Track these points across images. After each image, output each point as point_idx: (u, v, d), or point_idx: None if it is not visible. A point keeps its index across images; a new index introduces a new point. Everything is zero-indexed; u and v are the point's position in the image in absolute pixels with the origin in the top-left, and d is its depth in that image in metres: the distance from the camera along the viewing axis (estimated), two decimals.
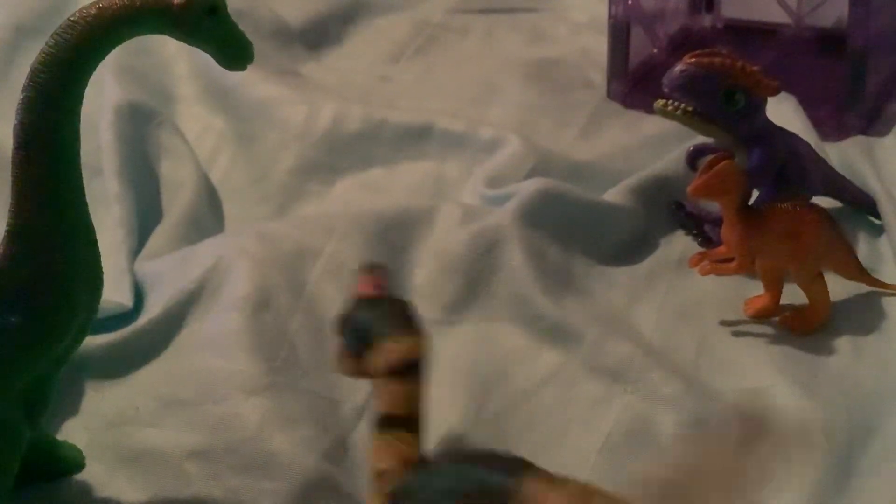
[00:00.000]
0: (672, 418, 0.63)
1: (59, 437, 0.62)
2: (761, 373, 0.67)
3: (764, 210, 0.71)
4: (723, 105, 0.73)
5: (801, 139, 0.80)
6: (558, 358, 0.69)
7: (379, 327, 0.46)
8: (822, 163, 0.81)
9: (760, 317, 0.72)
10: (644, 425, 0.63)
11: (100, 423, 0.63)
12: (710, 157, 0.71)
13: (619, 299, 0.75)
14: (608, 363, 0.68)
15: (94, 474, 0.59)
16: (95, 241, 0.54)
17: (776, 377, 0.67)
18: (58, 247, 0.52)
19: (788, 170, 0.76)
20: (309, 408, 0.62)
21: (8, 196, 0.52)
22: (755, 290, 0.74)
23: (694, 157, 0.79)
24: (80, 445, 0.61)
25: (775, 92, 0.74)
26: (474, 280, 0.73)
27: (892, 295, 0.74)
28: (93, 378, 0.66)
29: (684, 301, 0.75)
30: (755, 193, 0.75)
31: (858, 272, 0.73)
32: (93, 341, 0.67)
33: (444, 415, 0.63)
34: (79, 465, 0.60)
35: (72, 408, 0.64)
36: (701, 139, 0.79)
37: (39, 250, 0.52)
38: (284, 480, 0.57)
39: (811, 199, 0.76)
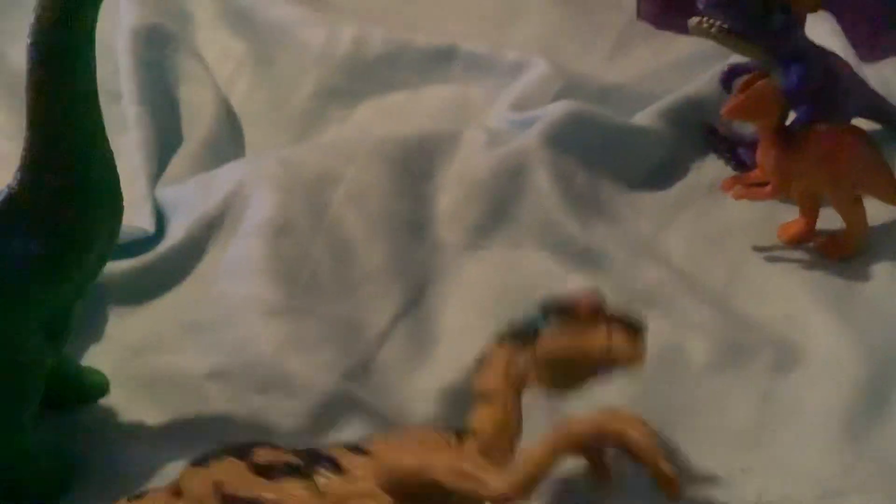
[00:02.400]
0: (703, 346, 0.62)
1: (83, 363, 0.61)
2: (795, 300, 0.66)
3: (801, 132, 0.68)
4: (760, 22, 0.70)
5: (840, 58, 0.77)
6: (586, 284, 0.67)
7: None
8: (862, 83, 0.78)
9: (795, 242, 0.70)
10: (674, 352, 0.62)
11: (123, 350, 0.62)
12: (745, 77, 0.68)
13: (649, 225, 0.73)
14: (637, 289, 0.66)
15: (118, 399, 0.59)
16: (114, 165, 0.53)
17: (811, 304, 0.65)
18: (76, 171, 0.51)
19: (826, 90, 0.73)
20: (330, 332, 0.61)
21: (23, 121, 0.50)
22: (789, 215, 0.72)
23: (728, 77, 0.76)
24: (104, 371, 0.61)
25: (815, 7, 0.70)
26: (500, 205, 0.72)
27: None
28: (116, 304, 0.65)
29: (715, 227, 0.73)
30: (791, 115, 0.73)
31: None
32: (115, 267, 0.66)
33: (471, 343, 0.62)
34: (103, 390, 0.60)
35: (95, 334, 0.64)
36: (736, 59, 0.76)
37: (57, 175, 0.50)
38: (304, 399, 0.56)
39: (850, 120, 0.73)
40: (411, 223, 0.70)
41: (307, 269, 0.65)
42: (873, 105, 0.78)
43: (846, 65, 0.77)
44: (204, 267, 0.67)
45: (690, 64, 0.84)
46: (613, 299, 0.65)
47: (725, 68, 0.77)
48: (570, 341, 0.47)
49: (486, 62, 0.86)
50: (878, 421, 0.57)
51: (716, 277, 0.68)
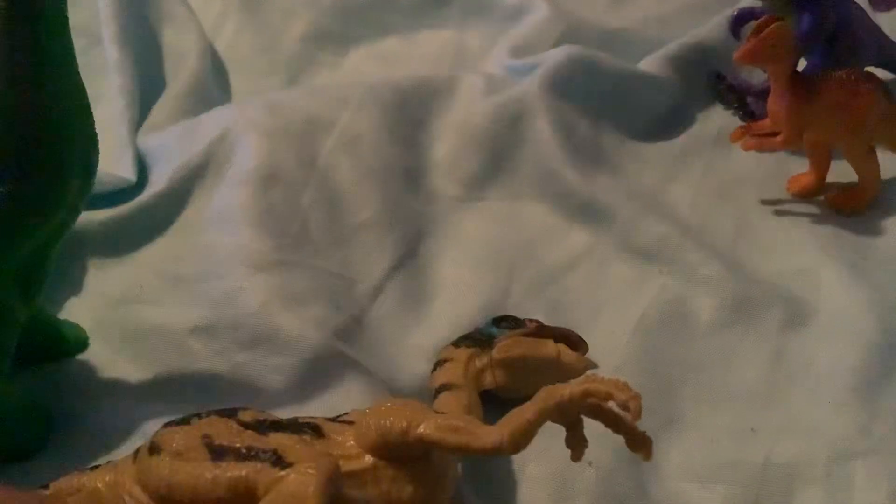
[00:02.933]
0: (710, 301, 0.60)
1: (62, 316, 0.59)
2: (805, 254, 0.63)
3: (814, 79, 0.65)
4: None
5: (855, 3, 0.74)
6: (588, 238, 0.65)
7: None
8: (876, 30, 0.75)
9: (805, 195, 0.68)
10: (680, 308, 0.59)
11: (103, 302, 0.60)
12: (756, 22, 0.65)
13: (654, 176, 0.70)
14: (642, 243, 0.64)
15: (98, 353, 0.56)
16: (88, 105, 0.50)
17: (822, 259, 0.63)
18: (47, 112, 0.48)
19: (840, 36, 0.71)
20: (321, 285, 0.58)
21: None
22: (799, 167, 0.70)
23: (738, 22, 0.73)
24: (83, 324, 0.58)
25: None
26: (499, 155, 0.69)
27: None
28: (95, 255, 0.62)
29: (723, 179, 0.70)
30: (803, 62, 0.70)
31: None
32: (95, 217, 0.63)
33: (467, 298, 0.60)
34: (82, 344, 0.57)
35: (74, 286, 0.61)
36: (746, 3, 0.73)
37: (28, 116, 0.47)
38: (293, 356, 0.54)
39: (864, 68, 0.71)
40: (406, 173, 0.67)
41: (296, 219, 0.63)
42: (888, 53, 0.75)
43: (861, 10, 0.74)
44: (187, 217, 0.64)
45: (698, 8, 0.82)
46: (617, 253, 0.64)
47: (734, 13, 0.75)
48: (524, 348, 0.53)
49: (484, 5, 0.83)
50: (892, 379, 0.55)
51: (723, 231, 0.66)
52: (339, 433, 0.43)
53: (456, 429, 0.41)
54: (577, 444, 0.43)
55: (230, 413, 0.44)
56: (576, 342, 0.54)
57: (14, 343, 0.51)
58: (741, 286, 0.60)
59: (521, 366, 0.52)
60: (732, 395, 0.55)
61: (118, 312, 0.59)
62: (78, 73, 0.49)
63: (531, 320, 0.55)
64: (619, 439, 0.42)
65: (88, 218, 0.63)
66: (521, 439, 0.40)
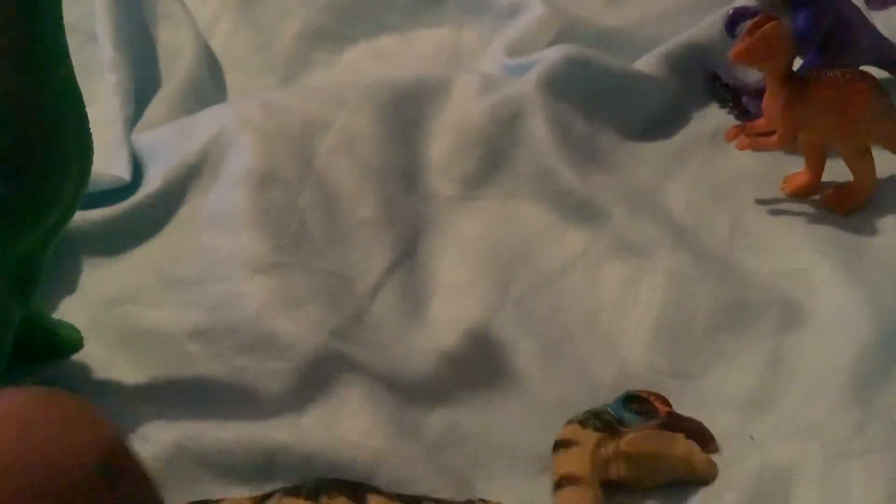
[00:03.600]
0: (706, 303, 0.60)
1: (57, 316, 0.59)
2: (801, 254, 0.63)
3: (810, 78, 0.65)
4: None
5: (850, 2, 0.74)
6: (585, 237, 0.65)
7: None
8: (872, 29, 0.75)
9: (800, 195, 0.68)
10: (676, 308, 0.59)
11: (99, 302, 0.59)
12: (752, 21, 0.65)
13: (649, 175, 0.70)
14: (637, 242, 0.64)
15: (93, 354, 0.56)
16: (83, 105, 0.50)
17: (817, 258, 0.63)
18: (42, 111, 0.47)
19: (836, 35, 0.71)
20: (319, 286, 0.58)
21: None
22: (794, 166, 0.70)
23: (733, 21, 0.73)
24: (78, 325, 0.58)
25: None
26: (495, 154, 0.69)
27: None
28: (91, 255, 0.62)
29: (718, 178, 0.70)
30: (798, 62, 0.70)
31: None
32: (90, 216, 0.63)
33: (465, 299, 0.60)
34: (77, 345, 0.57)
35: (69, 286, 0.61)
36: (742, 2, 0.73)
37: (22, 115, 0.47)
38: (292, 359, 0.54)
39: (860, 67, 0.71)
40: (403, 172, 0.67)
41: (294, 220, 0.62)
42: (883, 52, 0.75)
43: (856, 10, 0.74)
44: (183, 217, 0.64)
45: (693, 7, 0.81)
46: (614, 252, 0.64)
47: (730, 12, 0.74)
48: (655, 443, 0.50)
49: (480, 4, 0.82)
50: (888, 378, 0.55)
51: (719, 231, 0.66)
52: None
53: None
54: None
55: (358, 494, 0.43)
56: (707, 440, 0.52)
57: (9, 343, 0.51)
58: (737, 287, 0.61)
59: (649, 461, 0.50)
60: (730, 400, 0.55)
61: (114, 313, 0.58)
62: (73, 72, 0.49)
63: (658, 398, 0.52)
64: None
65: (83, 217, 0.63)
66: None
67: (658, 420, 0.51)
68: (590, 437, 0.49)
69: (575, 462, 0.48)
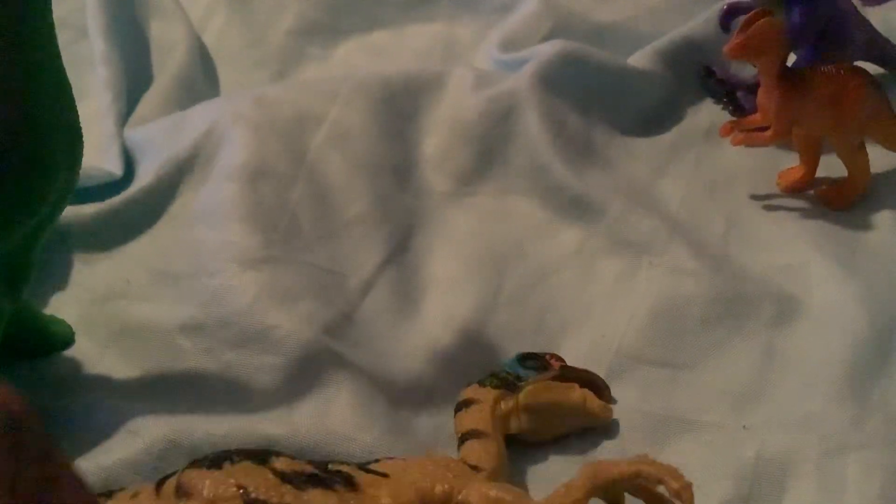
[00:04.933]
0: (701, 297, 0.60)
1: (47, 311, 0.58)
2: (795, 249, 0.63)
3: (804, 73, 0.65)
4: None
5: None
6: (579, 232, 0.65)
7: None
8: (866, 24, 0.75)
9: (795, 190, 0.68)
10: (671, 303, 0.59)
11: (89, 297, 0.59)
12: (747, 15, 0.65)
13: (644, 171, 0.70)
14: (632, 238, 0.64)
15: (84, 350, 0.56)
16: (72, 98, 0.49)
17: (811, 253, 0.63)
18: (30, 103, 0.47)
19: (830, 30, 0.70)
20: (310, 281, 0.58)
21: None
22: (789, 161, 0.70)
23: (728, 16, 0.73)
24: (69, 320, 0.57)
25: None
26: (489, 149, 0.69)
27: None
28: (81, 250, 0.62)
29: (713, 173, 0.70)
30: (793, 57, 0.70)
31: None
32: (81, 211, 0.63)
33: (458, 296, 0.60)
34: (68, 340, 0.56)
35: (60, 281, 0.60)
36: None
37: (9, 108, 0.46)
38: (283, 354, 0.53)
39: (854, 62, 0.71)
40: (396, 167, 0.67)
41: (286, 215, 0.62)
42: (878, 47, 0.75)
43: (850, 5, 0.74)
44: (175, 212, 0.63)
45: (688, 3, 0.81)
46: (608, 248, 0.64)
47: (724, 7, 0.74)
48: (551, 393, 0.52)
49: None
50: (884, 373, 0.55)
51: (713, 226, 0.66)
52: (374, 486, 0.42)
53: (503, 503, 0.41)
54: None
55: (262, 458, 0.42)
56: (600, 387, 0.54)
57: (0, 338, 0.50)
58: (732, 281, 0.60)
59: (547, 411, 0.52)
60: (724, 392, 0.55)
61: (105, 308, 0.58)
62: (62, 67, 0.48)
63: (553, 356, 0.54)
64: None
65: (74, 212, 0.62)
66: None
67: (552, 373, 0.53)
68: (489, 393, 0.51)
69: (475, 418, 0.49)
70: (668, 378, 0.55)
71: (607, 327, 0.58)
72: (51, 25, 0.47)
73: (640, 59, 0.75)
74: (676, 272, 0.61)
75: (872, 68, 0.73)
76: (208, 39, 0.82)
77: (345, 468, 0.43)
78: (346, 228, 0.63)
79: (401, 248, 0.63)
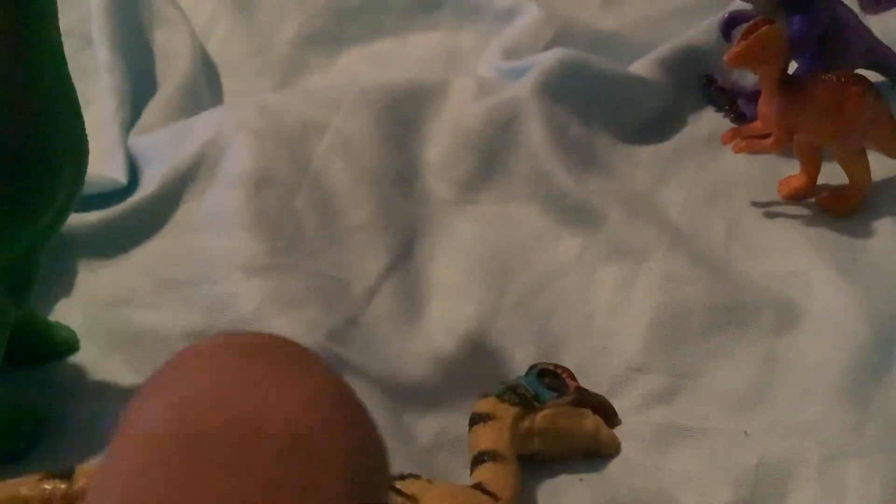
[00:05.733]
0: (701, 303, 0.60)
1: (52, 318, 0.59)
2: (796, 256, 0.64)
3: (805, 81, 0.66)
4: None
5: (845, 5, 0.74)
6: (580, 240, 0.65)
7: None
8: (867, 32, 0.75)
9: (795, 197, 0.68)
10: (672, 310, 0.60)
11: (95, 305, 0.59)
12: (748, 24, 0.65)
13: (645, 178, 0.71)
14: (633, 245, 0.64)
15: (88, 356, 0.56)
16: (78, 106, 0.50)
17: (812, 260, 0.63)
18: (35, 112, 0.47)
19: (831, 38, 0.71)
20: (314, 288, 0.58)
21: None
22: (790, 169, 0.70)
23: (729, 25, 0.74)
24: (73, 327, 0.58)
25: None
26: (491, 157, 0.69)
27: None
28: (86, 257, 0.62)
29: (714, 181, 0.70)
30: (794, 65, 0.70)
31: None
32: (86, 219, 0.63)
33: (461, 303, 0.60)
34: (73, 346, 0.57)
35: (65, 288, 0.61)
36: (737, 6, 0.73)
37: (17, 118, 0.47)
38: None
39: (855, 70, 0.71)
40: (399, 175, 0.67)
41: (290, 222, 0.62)
42: (878, 55, 0.75)
43: (851, 13, 0.74)
44: (179, 219, 0.64)
45: (689, 11, 0.81)
46: (609, 255, 0.64)
47: (725, 15, 0.75)
48: (567, 419, 0.52)
49: (476, 7, 0.82)
50: (884, 380, 0.55)
51: (714, 233, 0.66)
52: None
53: None
54: None
55: None
56: (610, 415, 0.54)
57: (4, 344, 0.50)
58: (732, 288, 0.61)
59: (561, 436, 0.52)
60: (725, 399, 0.55)
61: (109, 315, 0.58)
62: (68, 75, 0.49)
63: (567, 372, 0.54)
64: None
65: (79, 220, 0.63)
66: None
67: (570, 397, 0.53)
68: (508, 411, 0.51)
69: (494, 437, 0.49)
70: (670, 385, 0.55)
71: (609, 334, 0.58)
72: (57, 34, 0.48)
73: (641, 67, 0.76)
74: (677, 279, 0.61)
75: (872, 76, 0.74)
76: (212, 48, 0.82)
77: None
78: (349, 235, 0.63)
79: (404, 255, 0.63)
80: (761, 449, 0.52)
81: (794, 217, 0.67)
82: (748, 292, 0.60)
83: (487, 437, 0.49)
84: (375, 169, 0.66)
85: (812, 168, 0.68)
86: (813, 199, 0.68)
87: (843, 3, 0.74)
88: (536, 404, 0.52)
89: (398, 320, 0.59)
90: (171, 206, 0.65)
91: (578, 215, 0.66)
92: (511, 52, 0.77)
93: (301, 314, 0.56)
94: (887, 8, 0.82)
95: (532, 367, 0.55)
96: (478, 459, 0.49)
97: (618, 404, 0.55)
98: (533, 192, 0.67)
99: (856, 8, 0.78)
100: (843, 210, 0.67)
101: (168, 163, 0.66)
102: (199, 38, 0.81)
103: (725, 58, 0.64)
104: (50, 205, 0.49)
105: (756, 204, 0.68)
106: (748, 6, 0.72)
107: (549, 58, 0.73)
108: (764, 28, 0.63)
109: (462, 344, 0.57)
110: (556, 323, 0.59)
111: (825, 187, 0.68)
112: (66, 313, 0.59)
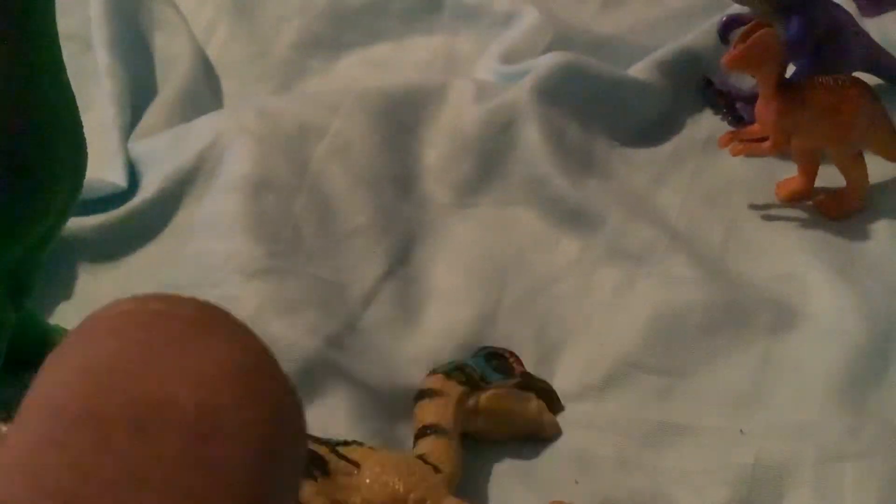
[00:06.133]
0: (700, 306, 0.60)
1: (53, 321, 0.59)
2: (794, 258, 0.64)
3: (802, 84, 0.66)
4: None
5: (842, 8, 0.74)
6: (578, 243, 0.65)
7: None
8: (864, 35, 0.75)
9: (793, 200, 0.68)
10: (669, 312, 0.60)
11: (95, 307, 0.59)
12: (745, 27, 0.65)
13: (643, 181, 0.71)
14: (631, 248, 0.64)
15: None
16: (77, 110, 0.50)
17: (810, 262, 0.63)
18: (34, 116, 0.47)
19: (828, 41, 0.71)
20: (313, 292, 0.58)
21: None
22: (787, 171, 0.70)
23: (727, 28, 0.74)
24: None
25: None
26: (489, 160, 0.69)
27: None
28: (86, 261, 0.63)
29: (712, 183, 0.70)
30: (791, 68, 0.70)
31: None
32: (86, 222, 0.63)
33: (459, 306, 0.60)
34: None
35: (65, 292, 0.61)
36: (735, 9, 0.73)
37: (14, 119, 0.47)
38: (285, 364, 0.53)
39: (852, 73, 0.71)
40: (397, 179, 0.68)
41: (288, 226, 0.63)
42: (875, 58, 0.75)
43: (849, 16, 0.74)
44: (179, 223, 0.64)
45: (686, 15, 0.81)
46: (607, 258, 0.64)
47: (723, 18, 0.75)
48: (511, 401, 0.53)
49: (475, 11, 0.83)
50: (881, 382, 0.55)
51: (712, 235, 0.66)
52: (346, 475, 0.42)
53: None
54: None
55: None
56: (553, 400, 0.55)
57: (3, 347, 0.51)
58: (730, 290, 0.61)
59: (504, 417, 0.53)
60: (722, 398, 0.55)
61: None
62: (67, 79, 0.49)
63: (514, 357, 0.56)
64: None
65: (79, 223, 0.63)
66: None
67: (515, 380, 0.54)
68: (454, 389, 0.52)
69: (439, 412, 0.50)
70: (667, 384, 0.55)
71: (607, 336, 0.58)
72: (55, 38, 0.48)
73: (639, 70, 0.76)
74: (675, 281, 0.61)
75: (870, 79, 0.74)
76: (212, 53, 0.82)
77: (320, 449, 0.43)
78: (348, 239, 0.63)
79: (402, 260, 0.63)
80: (758, 448, 0.52)
81: (791, 219, 0.68)
82: (746, 293, 0.61)
83: (432, 413, 0.50)
84: (373, 173, 0.67)
85: (810, 171, 0.68)
86: (810, 202, 0.68)
87: (840, 6, 0.74)
88: (483, 384, 0.53)
89: (396, 325, 0.59)
90: (171, 209, 0.65)
91: (577, 218, 0.66)
92: (509, 56, 0.77)
93: (299, 318, 0.56)
94: (885, 11, 0.83)
95: (481, 349, 0.55)
96: (422, 433, 0.50)
97: (615, 402, 0.55)
98: (531, 196, 0.68)
99: (853, 11, 0.79)
100: (841, 213, 0.67)
101: (168, 167, 0.66)
102: (199, 42, 0.81)
103: (723, 61, 0.64)
104: (49, 208, 0.49)
105: (754, 206, 0.69)
106: (746, 9, 0.72)
107: (547, 61, 0.73)
108: (761, 31, 0.63)
109: (460, 348, 0.57)
110: (555, 325, 0.60)
111: (823, 190, 0.69)
112: (66, 317, 0.59)
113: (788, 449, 0.52)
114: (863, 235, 0.66)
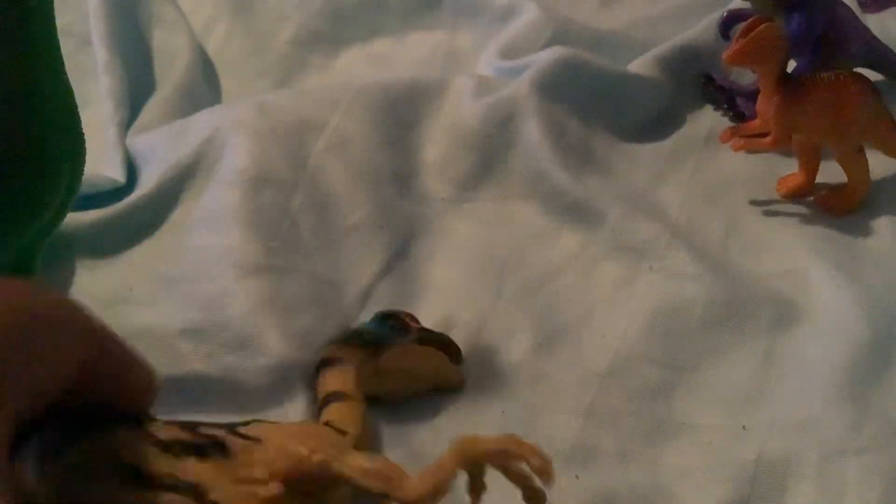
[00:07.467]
0: (700, 301, 0.60)
1: None
2: (795, 254, 0.63)
3: (804, 80, 0.65)
4: None
5: (844, 4, 0.74)
6: (579, 238, 0.65)
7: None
8: (865, 30, 0.75)
9: (794, 196, 0.68)
10: (670, 308, 0.59)
11: (93, 303, 0.58)
12: (746, 22, 0.65)
13: (644, 177, 0.70)
14: (632, 243, 0.64)
15: None
16: (75, 105, 0.50)
17: (811, 259, 0.63)
18: (32, 111, 0.47)
19: (829, 37, 0.71)
20: (310, 288, 0.58)
21: None
22: (789, 167, 0.70)
23: (728, 23, 0.73)
24: None
25: None
26: (489, 156, 0.69)
27: None
28: (84, 256, 0.62)
29: (713, 179, 0.70)
30: (792, 63, 0.70)
31: None
32: (84, 218, 0.63)
33: (458, 301, 0.60)
34: None
35: (63, 287, 0.61)
36: (736, 5, 0.73)
37: (12, 115, 0.47)
38: (280, 357, 0.53)
39: (853, 69, 0.71)
40: (396, 174, 0.67)
41: (286, 221, 0.62)
42: (877, 54, 0.75)
43: (849, 10, 0.74)
44: (177, 218, 0.64)
45: (687, 10, 0.81)
46: (608, 253, 0.64)
47: (724, 14, 0.74)
48: (411, 358, 0.54)
49: (475, 7, 0.82)
50: (884, 378, 0.55)
51: (713, 231, 0.66)
52: (247, 453, 0.41)
53: (380, 475, 0.40)
54: (478, 491, 0.42)
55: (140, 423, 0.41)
56: (454, 353, 0.55)
57: None
58: (731, 285, 0.60)
59: (406, 375, 0.54)
60: (724, 394, 0.55)
61: (107, 313, 0.57)
62: (65, 74, 0.49)
63: (409, 315, 0.55)
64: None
65: (77, 219, 0.63)
66: (441, 491, 0.40)
67: (412, 336, 0.54)
68: (353, 354, 0.51)
69: (341, 379, 0.50)
70: (668, 380, 0.55)
71: (607, 331, 0.58)
72: (54, 33, 0.48)
73: (639, 65, 0.76)
74: (676, 277, 0.61)
75: (871, 75, 0.74)
76: (210, 48, 0.82)
77: (217, 432, 0.42)
78: (346, 235, 0.63)
79: (401, 255, 0.63)
80: (760, 445, 0.52)
81: (792, 216, 0.67)
82: (747, 290, 0.60)
83: (334, 381, 0.50)
84: (373, 168, 0.66)
85: (811, 167, 0.68)
86: (812, 198, 0.68)
87: (842, 1, 0.74)
88: (380, 345, 0.53)
89: None
90: (170, 205, 0.65)
91: (577, 214, 0.66)
92: (509, 52, 0.77)
93: (297, 315, 0.56)
94: (886, 7, 0.83)
95: (375, 314, 0.55)
96: (325, 402, 0.49)
97: (616, 397, 0.55)
98: (531, 191, 0.67)
99: (854, 7, 0.78)
100: (843, 209, 0.67)
101: (166, 162, 0.66)
102: (198, 39, 0.81)
103: (724, 56, 0.64)
104: (47, 204, 0.49)
105: (755, 202, 0.68)
106: (747, 5, 0.72)
107: (547, 56, 0.73)
108: (762, 26, 0.63)
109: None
110: (555, 319, 0.59)
111: (824, 186, 0.68)
112: None
113: (791, 445, 0.52)
114: (865, 231, 0.66)
